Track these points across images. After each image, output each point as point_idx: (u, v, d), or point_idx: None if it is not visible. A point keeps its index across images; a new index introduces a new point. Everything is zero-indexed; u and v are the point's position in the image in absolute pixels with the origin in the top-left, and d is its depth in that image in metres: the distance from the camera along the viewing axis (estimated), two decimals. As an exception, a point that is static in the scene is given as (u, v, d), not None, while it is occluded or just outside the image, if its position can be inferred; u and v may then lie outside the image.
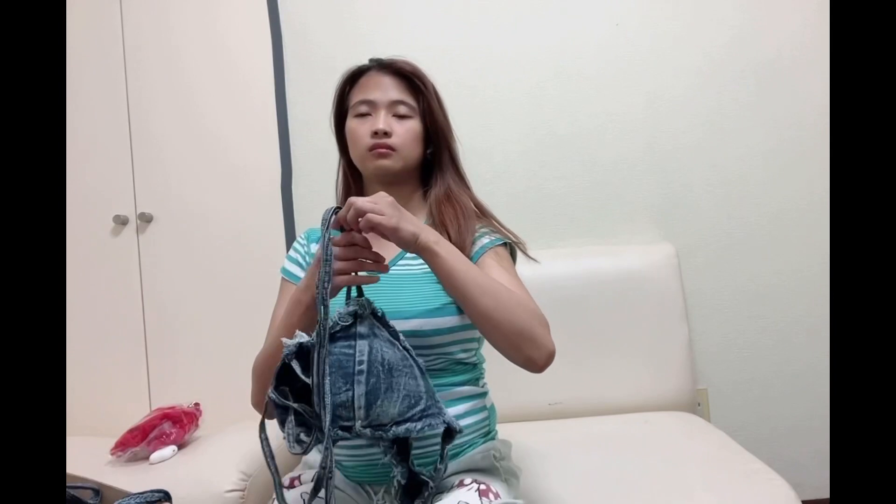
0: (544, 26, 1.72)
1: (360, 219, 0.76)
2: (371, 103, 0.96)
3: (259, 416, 0.78)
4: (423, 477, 0.77)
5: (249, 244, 1.67)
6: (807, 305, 1.67)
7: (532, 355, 0.83)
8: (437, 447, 0.79)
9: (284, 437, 0.71)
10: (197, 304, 1.67)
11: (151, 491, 0.81)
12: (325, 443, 0.68)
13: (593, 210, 1.71)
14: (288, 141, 1.71)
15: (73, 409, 1.57)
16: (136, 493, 0.80)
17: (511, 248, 1.00)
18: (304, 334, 0.73)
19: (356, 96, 0.99)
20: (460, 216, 0.97)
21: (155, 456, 1.31)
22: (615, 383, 1.50)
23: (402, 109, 0.97)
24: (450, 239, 0.93)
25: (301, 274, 0.98)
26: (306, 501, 0.85)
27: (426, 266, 0.94)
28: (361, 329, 0.74)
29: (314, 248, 1.02)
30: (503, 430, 1.05)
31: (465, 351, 0.96)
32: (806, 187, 1.68)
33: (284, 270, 1.03)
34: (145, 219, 1.69)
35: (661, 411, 1.45)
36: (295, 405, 0.71)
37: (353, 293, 0.80)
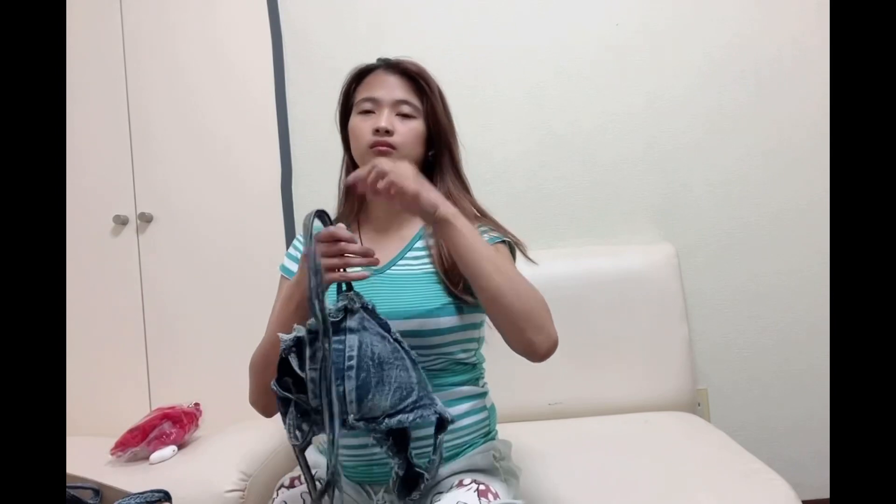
0: (544, 26, 1.72)
1: (380, 182, 0.78)
2: (375, 101, 0.97)
3: (257, 413, 0.79)
4: (417, 469, 0.77)
5: (249, 244, 1.67)
6: (807, 305, 1.67)
7: (535, 340, 0.83)
8: (433, 441, 0.80)
9: (286, 428, 0.72)
10: (197, 304, 1.67)
11: (151, 491, 0.81)
12: (330, 439, 0.68)
13: (593, 210, 1.71)
14: (288, 141, 1.71)
15: (73, 409, 1.57)
16: (136, 493, 0.80)
17: (511, 246, 1.00)
18: (302, 328, 0.73)
19: (361, 93, 0.99)
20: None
21: (155, 456, 1.31)
22: (615, 383, 1.50)
23: (406, 109, 0.97)
24: (442, 247, 0.93)
25: None
26: (306, 501, 0.85)
27: (425, 266, 0.95)
28: (351, 323, 0.74)
29: None
30: (503, 430, 1.05)
31: (464, 351, 0.96)
32: (806, 187, 1.68)
33: (283, 268, 1.03)
34: (145, 219, 1.69)
35: (661, 411, 1.45)
36: (294, 397, 0.71)
37: (344, 287, 0.80)
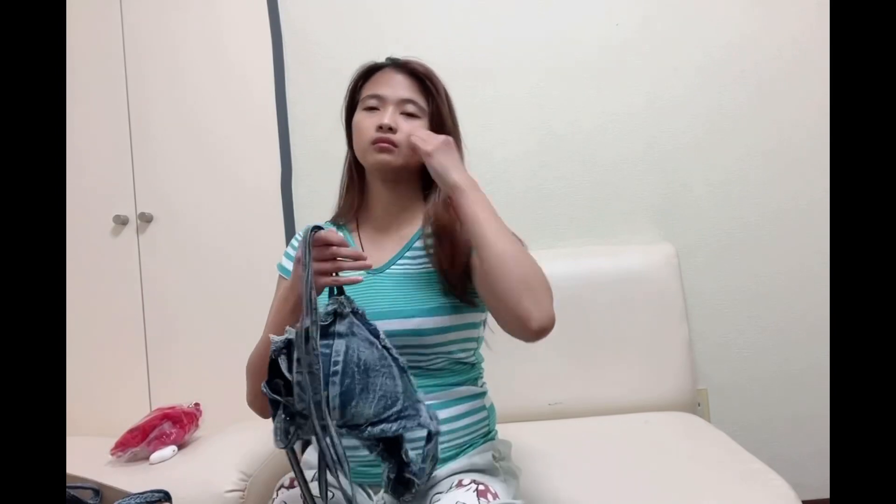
0: (544, 26, 1.72)
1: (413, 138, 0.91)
2: (381, 98, 0.97)
3: (255, 415, 0.78)
4: (406, 475, 0.76)
5: (249, 244, 1.67)
6: (807, 305, 1.67)
7: (531, 310, 0.80)
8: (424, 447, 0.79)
9: (273, 429, 0.71)
10: (197, 304, 1.67)
11: (151, 491, 0.81)
12: (317, 441, 0.68)
13: (593, 210, 1.71)
14: (288, 141, 1.71)
15: (73, 409, 1.57)
16: (136, 493, 0.80)
17: None
18: (293, 330, 0.72)
19: (368, 90, 0.99)
20: (458, 223, 0.97)
21: (155, 456, 1.31)
22: (615, 383, 1.50)
23: (411, 108, 0.97)
24: (447, 242, 0.93)
25: None
26: (306, 502, 0.85)
27: (423, 266, 0.95)
28: (340, 328, 0.74)
29: None
30: (503, 430, 1.05)
31: (463, 350, 0.96)
32: (806, 187, 1.68)
33: (281, 267, 1.03)
34: (145, 219, 1.69)
35: (661, 411, 1.45)
36: (283, 399, 0.71)
37: (335, 291, 0.79)
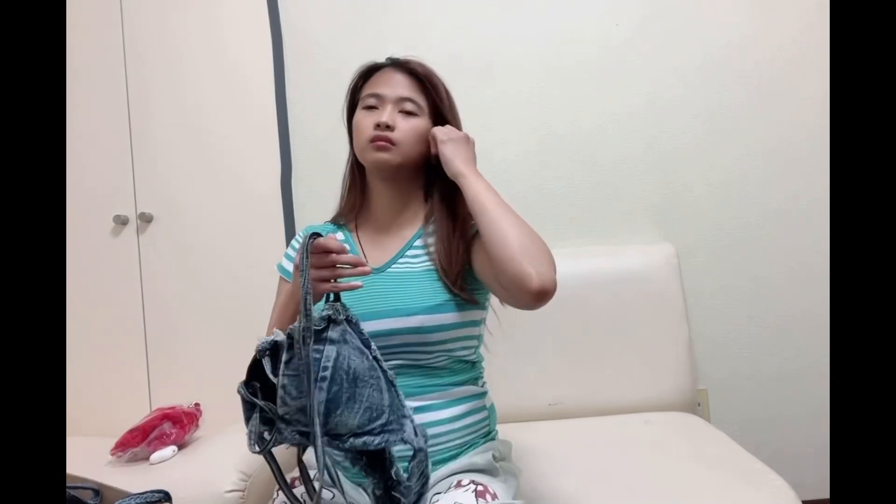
0: (544, 26, 1.72)
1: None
2: (379, 97, 0.97)
3: None
4: (394, 493, 0.75)
5: (249, 244, 1.67)
6: (807, 305, 1.67)
7: (531, 272, 0.80)
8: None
9: (247, 433, 0.71)
10: (197, 304, 1.67)
11: (151, 491, 0.81)
12: (316, 450, 0.67)
13: (593, 210, 1.71)
14: (288, 141, 1.71)
15: (73, 409, 1.57)
16: (136, 494, 0.80)
17: None
18: (280, 332, 0.72)
19: (367, 90, 1.00)
20: (457, 222, 0.97)
21: (155, 456, 1.31)
22: (615, 383, 1.50)
23: (409, 106, 0.97)
24: (449, 237, 0.94)
25: None
26: (306, 502, 0.85)
27: (425, 264, 0.95)
28: (333, 334, 0.73)
29: None
30: (503, 430, 1.05)
31: (464, 349, 0.96)
32: (806, 187, 1.68)
33: (280, 268, 1.04)
34: (145, 219, 1.69)
35: (661, 411, 1.45)
36: (261, 403, 0.70)
37: (331, 297, 0.79)
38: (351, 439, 0.71)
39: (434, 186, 1.02)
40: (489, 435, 1.00)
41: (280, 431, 0.70)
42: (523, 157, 1.71)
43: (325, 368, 0.70)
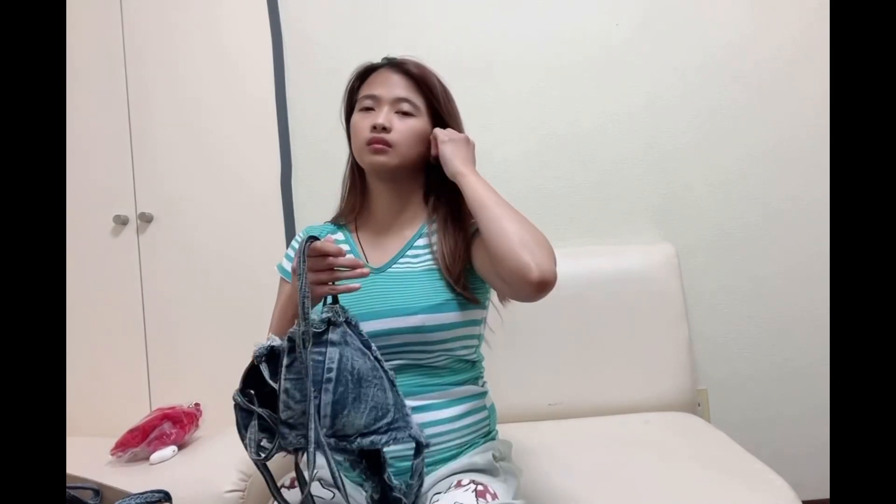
0: (544, 26, 1.72)
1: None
2: (375, 98, 0.97)
3: None
4: (395, 494, 0.76)
5: (249, 244, 1.67)
6: (807, 305, 1.67)
7: (530, 263, 0.80)
8: (410, 463, 0.79)
9: (245, 442, 0.70)
10: (197, 304, 1.67)
11: (151, 491, 0.81)
12: (309, 452, 0.67)
13: (593, 210, 1.71)
14: (288, 141, 1.71)
15: (73, 409, 1.57)
16: (136, 494, 0.80)
17: None
18: (276, 337, 0.72)
19: (364, 91, 1.00)
20: (458, 221, 0.97)
21: (155, 456, 1.30)
22: (615, 383, 1.50)
23: (406, 107, 0.97)
24: (450, 235, 0.94)
25: None
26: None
27: (426, 263, 0.96)
28: (333, 336, 0.73)
29: None
30: (503, 430, 1.05)
31: (465, 348, 0.96)
32: (806, 187, 1.68)
33: (281, 269, 1.04)
34: (145, 219, 1.69)
35: (661, 411, 1.45)
36: (259, 410, 0.70)
37: (330, 300, 0.79)
38: (359, 439, 0.71)
39: (434, 187, 1.02)
40: (489, 435, 1.00)
41: (284, 436, 0.70)
42: (523, 157, 1.71)
43: (330, 370, 0.70)
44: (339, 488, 0.67)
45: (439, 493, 0.84)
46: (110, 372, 1.67)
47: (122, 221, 1.69)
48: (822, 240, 1.67)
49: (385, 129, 0.94)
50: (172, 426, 1.38)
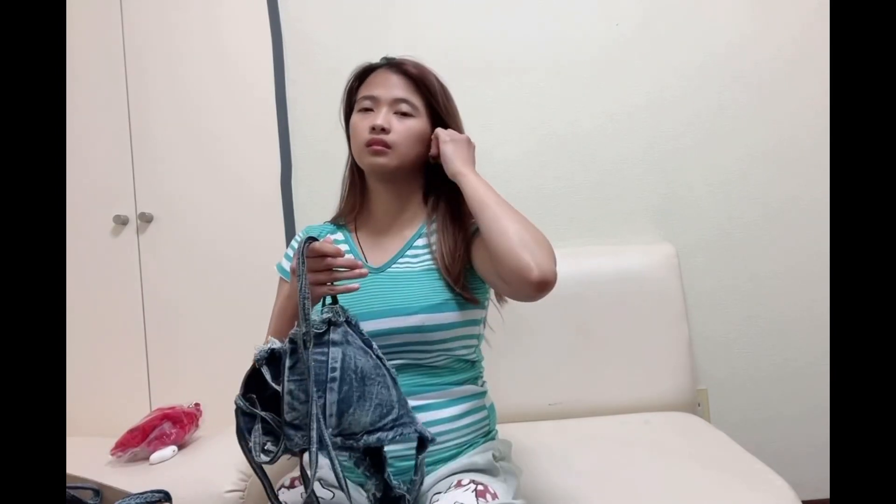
0: (544, 26, 1.72)
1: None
2: (374, 99, 0.97)
3: None
4: (398, 491, 0.76)
5: (249, 244, 1.67)
6: (807, 305, 1.67)
7: (530, 262, 0.80)
8: (412, 461, 0.79)
9: (250, 446, 0.69)
10: (197, 304, 1.67)
11: (151, 491, 0.80)
12: (311, 454, 0.67)
13: (593, 210, 1.71)
14: (288, 141, 1.71)
15: (73, 409, 1.57)
16: (136, 494, 0.80)
17: None
18: (276, 340, 0.72)
19: (363, 92, 1.00)
20: (458, 221, 0.97)
21: (155, 456, 1.31)
22: (615, 383, 1.50)
23: (404, 108, 0.97)
24: (448, 242, 0.94)
25: None
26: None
27: (426, 263, 0.96)
28: (335, 336, 0.73)
29: None
30: (503, 430, 1.05)
31: (465, 347, 0.96)
32: (806, 187, 1.68)
33: (280, 268, 1.04)
34: (145, 219, 1.69)
35: (661, 411, 1.45)
36: (262, 413, 0.70)
37: (329, 300, 0.80)
38: (365, 437, 0.72)
39: (433, 187, 1.02)
40: (489, 434, 1.00)
41: (290, 438, 0.69)
42: (523, 157, 1.71)
43: (334, 369, 0.71)
44: (342, 488, 0.67)
45: (439, 492, 0.84)
46: (110, 372, 1.67)
47: (122, 221, 1.69)
48: (822, 240, 1.67)
49: (384, 131, 0.94)
50: (172, 426, 1.38)
